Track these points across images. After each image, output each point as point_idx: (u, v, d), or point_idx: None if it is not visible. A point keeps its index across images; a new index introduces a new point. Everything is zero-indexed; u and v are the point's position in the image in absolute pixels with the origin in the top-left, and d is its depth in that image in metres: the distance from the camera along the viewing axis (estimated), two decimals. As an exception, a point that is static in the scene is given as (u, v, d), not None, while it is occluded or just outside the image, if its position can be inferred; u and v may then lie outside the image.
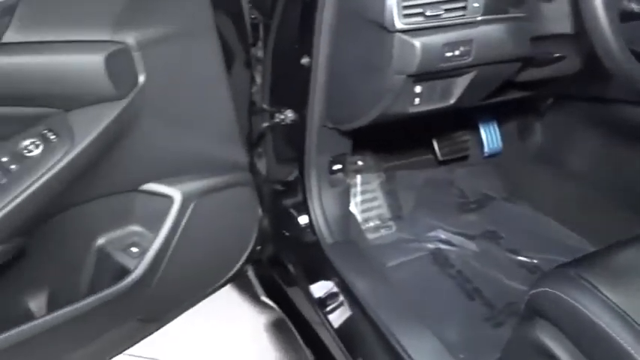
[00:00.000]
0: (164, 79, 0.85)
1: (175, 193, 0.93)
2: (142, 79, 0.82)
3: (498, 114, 1.53)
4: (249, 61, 1.05)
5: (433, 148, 1.49)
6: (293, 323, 1.23)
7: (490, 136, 1.53)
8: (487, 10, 0.88)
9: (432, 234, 1.42)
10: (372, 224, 1.44)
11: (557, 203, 1.45)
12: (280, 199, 1.25)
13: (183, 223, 0.94)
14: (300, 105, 1.15)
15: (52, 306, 0.87)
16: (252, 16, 1.09)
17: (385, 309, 1.06)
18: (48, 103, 0.76)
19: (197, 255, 0.99)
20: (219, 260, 1.06)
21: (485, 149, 1.53)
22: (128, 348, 1.01)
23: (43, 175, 0.74)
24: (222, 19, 0.94)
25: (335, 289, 1.17)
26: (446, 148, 1.50)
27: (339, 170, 1.27)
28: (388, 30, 0.87)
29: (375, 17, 0.89)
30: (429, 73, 0.92)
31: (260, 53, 1.15)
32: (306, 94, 1.12)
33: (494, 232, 1.40)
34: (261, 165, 1.23)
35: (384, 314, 1.05)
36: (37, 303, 0.87)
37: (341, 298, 1.15)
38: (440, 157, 1.50)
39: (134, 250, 0.92)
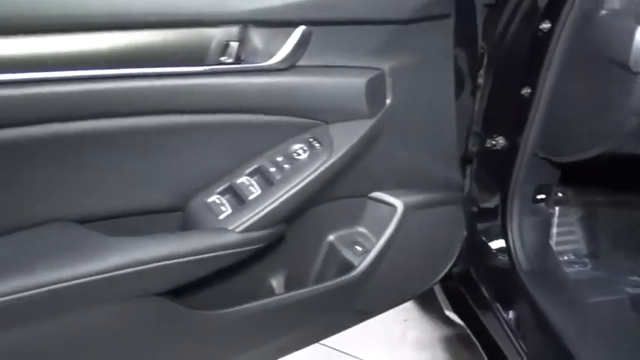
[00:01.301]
0: (404, 102, 0.96)
1: (399, 204, 1.03)
2: (388, 101, 0.94)
3: None
4: (474, 89, 1.12)
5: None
6: (479, 341, 1.27)
7: None
8: None
9: (634, 278, 1.36)
10: (565, 258, 1.42)
11: None
12: (478, 220, 1.30)
13: (402, 231, 1.04)
14: (513, 133, 1.19)
15: (288, 286, 1.03)
16: (481, 46, 1.16)
17: (584, 345, 1.06)
18: (315, 116, 0.91)
19: (408, 262, 1.09)
20: (424, 270, 1.15)
21: None
22: (334, 334, 1.14)
23: (307, 176, 0.89)
24: (458, 50, 1.02)
25: (530, 316, 1.19)
26: (663, 190, 1.42)
27: (542, 200, 1.29)
28: (631, 71, 0.88)
29: (617, 57, 0.91)
30: (672, 118, 0.91)
31: (480, 80, 1.21)
32: (523, 123, 1.16)
33: None
34: (464, 185, 1.29)
35: (583, 351, 1.05)
36: (277, 281, 1.03)
37: (536, 325, 1.17)
38: (653, 200, 1.43)
39: (358, 248, 1.04)
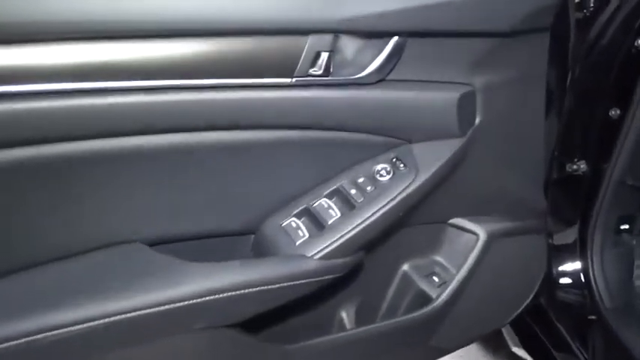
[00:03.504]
0: (493, 120, 0.88)
1: (481, 231, 0.95)
2: (477, 119, 0.86)
3: None
4: (560, 109, 1.04)
5: None
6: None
7: None
8: None
9: None
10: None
11: None
12: (553, 251, 1.21)
13: (483, 261, 0.95)
14: (598, 158, 1.11)
15: (359, 319, 0.95)
16: (567, 65, 1.08)
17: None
18: (399, 134, 0.84)
19: (487, 295, 1.00)
20: (503, 304, 1.06)
21: None
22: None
23: (391, 200, 0.81)
24: (550, 66, 0.95)
25: (614, 355, 1.09)
26: None
27: (625, 230, 1.20)
28: None
29: None
30: None
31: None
32: (609, 147, 1.08)
33: None
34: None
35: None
36: (347, 313, 0.95)
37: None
38: None
39: (435, 279, 0.96)
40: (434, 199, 0.89)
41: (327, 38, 0.71)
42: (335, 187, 0.83)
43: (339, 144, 0.81)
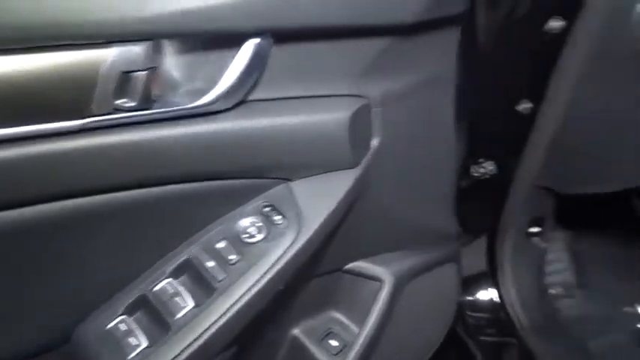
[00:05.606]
0: (395, 139, 0.67)
1: (385, 275, 0.75)
2: (375, 141, 0.65)
3: None
4: (467, 109, 0.85)
5: (635, 206, 1.24)
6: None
7: None
8: None
9: (629, 309, 1.18)
10: (553, 291, 1.21)
11: None
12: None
13: (392, 311, 0.75)
14: (508, 158, 0.94)
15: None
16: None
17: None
18: (271, 173, 0.59)
19: (396, 348, 0.80)
20: (414, 350, 0.87)
21: None
22: None
23: (267, 271, 0.57)
24: (460, 59, 0.75)
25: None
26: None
27: (536, 234, 1.07)
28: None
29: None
30: None
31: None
32: (521, 146, 0.92)
33: None
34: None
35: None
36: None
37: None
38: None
39: (333, 343, 0.74)
40: (326, 248, 0.66)
41: (139, 50, 0.43)
42: (183, 259, 0.56)
43: (179, 199, 0.55)
